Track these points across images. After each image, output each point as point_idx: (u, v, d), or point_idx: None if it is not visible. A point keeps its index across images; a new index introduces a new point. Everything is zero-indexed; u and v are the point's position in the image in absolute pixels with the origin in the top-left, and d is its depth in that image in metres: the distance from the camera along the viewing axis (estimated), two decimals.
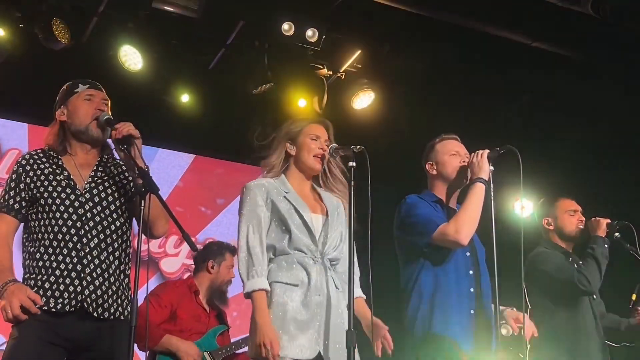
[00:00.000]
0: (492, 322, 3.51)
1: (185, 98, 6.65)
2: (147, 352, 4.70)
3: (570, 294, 4.29)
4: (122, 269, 3.26)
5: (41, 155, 3.30)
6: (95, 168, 3.29)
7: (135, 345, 4.59)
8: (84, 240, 3.15)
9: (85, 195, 3.21)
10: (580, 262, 4.36)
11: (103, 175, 3.29)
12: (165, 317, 4.76)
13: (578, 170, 7.01)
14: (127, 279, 3.28)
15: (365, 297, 3.45)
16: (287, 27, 6.20)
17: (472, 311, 3.55)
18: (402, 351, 3.60)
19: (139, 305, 4.68)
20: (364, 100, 6.88)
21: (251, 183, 3.42)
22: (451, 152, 3.80)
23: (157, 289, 4.98)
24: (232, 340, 5.03)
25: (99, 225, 3.19)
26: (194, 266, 5.20)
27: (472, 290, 3.59)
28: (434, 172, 3.83)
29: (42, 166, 3.25)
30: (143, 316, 4.58)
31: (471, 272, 3.62)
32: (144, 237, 3.15)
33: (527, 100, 7.09)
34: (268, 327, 3.13)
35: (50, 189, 3.19)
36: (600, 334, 4.37)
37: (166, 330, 4.71)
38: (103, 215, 3.21)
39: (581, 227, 4.47)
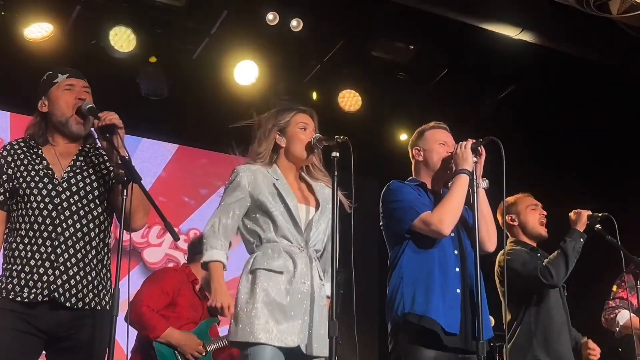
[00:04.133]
0: (481, 307, 3.51)
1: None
2: (134, 336, 4.72)
3: (536, 289, 4.31)
4: (99, 259, 3.22)
5: (22, 144, 3.27)
6: (75, 157, 3.26)
7: (137, 334, 4.65)
8: (59, 229, 3.12)
9: (63, 185, 3.18)
10: (547, 256, 4.38)
11: (83, 164, 3.26)
12: (166, 303, 4.80)
13: (561, 162, 7.07)
14: (105, 269, 3.25)
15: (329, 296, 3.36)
16: (271, 17, 6.20)
17: (457, 290, 3.56)
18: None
19: (141, 291, 4.75)
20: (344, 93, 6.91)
21: (242, 166, 3.40)
22: (439, 141, 3.82)
23: (159, 275, 5.00)
24: (223, 331, 5.05)
25: (75, 215, 3.16)
26: (179, 255, 5.19)
27: (457, 269, 3.60)
28: (420, 159, 3.85)
29: (22, 156, 3.22)
30: (143, 304, 4.62)
31: (456, 252, 3.64)
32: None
33: (512, 91, 7.12)
34: (224, 291, 3.21)
35: (28, 179, 3.16)
36: (570, 327, 4.38)
37: (164, 316, 4.73)
38: (80, 205, 3.18)
39: (543, 221, 4.51)
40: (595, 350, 4.43)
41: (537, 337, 4.25)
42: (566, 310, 4.40)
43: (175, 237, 3.21)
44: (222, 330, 5.11)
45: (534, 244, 4.51)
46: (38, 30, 5.85)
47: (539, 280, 4.22)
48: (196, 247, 5.10)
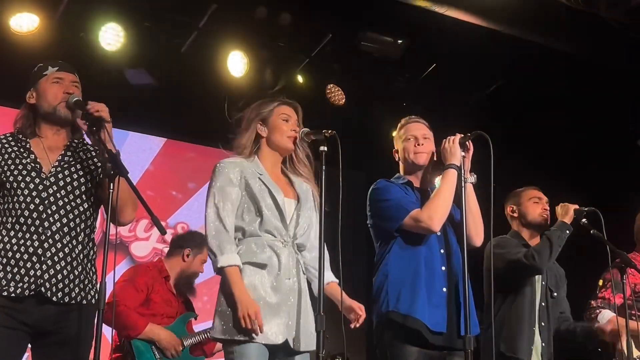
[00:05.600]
0: (462, 303, 3.52)
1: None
2: (116, 335, 4.70)
3: (519, 275, 4.31)
4: (85, 253, 3.22)
5: (10, 139, 3.26)
6: (63, 152, 3.26)
7: (116, 333, 4.64)
8: (46, 224, 3.12)
9: (50, 179, 3.18)
10: None
11: (71, 159, 3.26)
12: (142, 300, 4.77)
13: (548, 156, 7.09)
14: (90, 263, 3.25)
15: (338, 281, 3.42)
16: (260, 10, 6.19)
17: (444, 289, 3.57)
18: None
19: (115, 292, 4.72)
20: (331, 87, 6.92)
21: (225, 160, 3.40)
22: (408, 137, 3.82)
23: (130, 272, 4.97)
24: (200, 327, 5.07)
25: (62, 210, 3.16)
26: (167, 249, 5.17)
27: (443, 268, 3.61)
28: (397, 158, 3.87)
29: (9, 150, 3.21)
30: (120, 303, 4.59)
31: (442, 251, 3.64)
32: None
33: (500, 86, 7.13)
34: (248, 298, 3.13)
35: (15, 172, 3.15)
36: (546, 320, 4.40)
37: (140, 314, 4.71)
38: (67, 200, 3.18)
39: (545, 215, 4.51)
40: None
41: (506, 327, 4.27)
42: (549, 313, 4.39)
43: (162, 231, 3.20)
44: (197, 327, 5.12)
45: (532, 238, 4.50)
46: (24, 22, 5.80)
47: (522, 262, 4.23)
48: (177, 242, 5.09)
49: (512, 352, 4.25)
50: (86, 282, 3.20)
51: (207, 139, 7.18)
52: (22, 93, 3.33)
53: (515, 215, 4.55)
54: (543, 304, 4.40)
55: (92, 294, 3.20)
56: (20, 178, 3.15)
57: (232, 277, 3.17)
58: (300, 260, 3.38)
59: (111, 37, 6.08)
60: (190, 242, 5.05)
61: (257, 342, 3.14)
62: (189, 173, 7.44)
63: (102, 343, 2.99)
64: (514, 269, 4.28)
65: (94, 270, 3.27)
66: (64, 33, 6.05)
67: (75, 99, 3.22)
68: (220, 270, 3.20)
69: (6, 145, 3.23)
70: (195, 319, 5.08)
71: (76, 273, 3.16)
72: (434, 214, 3.57)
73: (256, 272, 3.24)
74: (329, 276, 3.42)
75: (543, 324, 4.37)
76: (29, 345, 3.17)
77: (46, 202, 3.14)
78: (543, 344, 4.34)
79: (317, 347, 3.07)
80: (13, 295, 3.04)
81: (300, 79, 6.82)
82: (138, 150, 7.17)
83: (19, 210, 3.11)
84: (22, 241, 3.09)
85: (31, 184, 3.15)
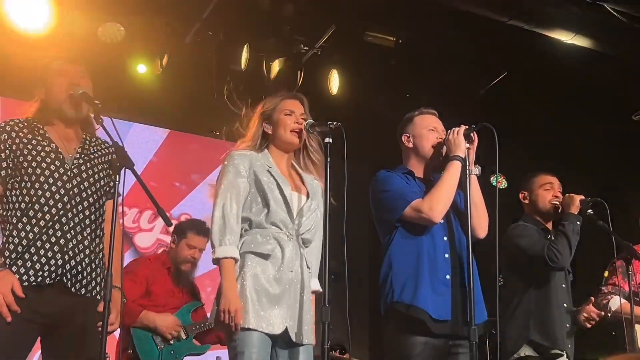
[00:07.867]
0: (472, 292, 3.49)
1: (142, 69, 6.55)
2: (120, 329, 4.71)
3: (541, 269, 4.31)
4: (100, 247, 3.28)
5: (25, 124, 3.27)
6: (82, 145, 3.30)
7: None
8: (69, 215, 3.15)
9: (74, 170, 3.21)
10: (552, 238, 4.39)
11: (89, 153, 3.31)
12: (141, 292, 4.80)
13: (554, 147, 7.08)
14: (101, 253, 3.30)
15: (320, 290, 3.39)
16: (264, 2, 6.18)
17: (447, 277, 3.55)
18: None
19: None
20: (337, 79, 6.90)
21: (235, 152, 3.43)
22: (429, 127, 3.79)
23: (130, 265, 4.99)
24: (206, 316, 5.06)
25: (86, 202, 3.20)
26: (171, 237, 5.20)
27: (446, 256, 3.59)
28: (410, 145, 3.81)
29: (29, 135, 3.22)
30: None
31: (445, 238, 3.62)
32: (118, 211, 3.15)
33: (504, 77, 7.11)
34: (234, 294, 3.16)
35: (38, 158, 3.17)
36: (571, 310, 4.41)
37: (142, 305, 4.73)
38: (89, 192, 3.22)
39: (555, 202, 4.48)
40: (590, 314, 4.41)
41: (535, 318, 4.27)
42: (569, 294, 4.41)
43: (168, 223, 3.24)
44: None
45: (547, 224, 4.50)
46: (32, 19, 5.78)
47: (546, 262, 4.23)
48: (183, 230, 5.10)
49: (549, 341, 4.25)
50: (102, 276, 3.24)
51: (210, 131, 7.19)
52: (23, 85, 3.34)
53: (527, 202, 4.55)
54: (563, 285, 4.40)
55: (102, 286, 3.23)
56: (44, 165, 3.16)
57: (225, 270, 3.21)
58: (304, 255, 3.39)
59: (114, 28, 6.07)
60: (176, 229, 5.08)
61: (259, 331, 3.16)
62: (193, 164, 7.45)
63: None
64: (538, 265, 4.28)
65: (103, 261, 3.30)
66: (66, 24, 6.04)
67: (80, 92, 3.23)
68: (216, 261, 3.23)
69: (24, 130, 3.22)
70: (202, 307, 5.09)
71: (93, 266, 3.21)
72: (435, 205, 3.55)
73: (259, 262, 3.26)
74: (315, 284, 3.43)
75: (566, 305, 4.38)
76: (39, 339, 3.18)
77: (71, 193, 3.17)
78: (567, 325, 4.35)
79: (322, 339, 3.07)
80: (34, 283, 3.05)
81: (303, 70, 6.80)
82: (142, 142, 7.19)
83: (42, 199, 3.12)
84: (45, 230, 3.11)
85: (55, 173, 3.17)
